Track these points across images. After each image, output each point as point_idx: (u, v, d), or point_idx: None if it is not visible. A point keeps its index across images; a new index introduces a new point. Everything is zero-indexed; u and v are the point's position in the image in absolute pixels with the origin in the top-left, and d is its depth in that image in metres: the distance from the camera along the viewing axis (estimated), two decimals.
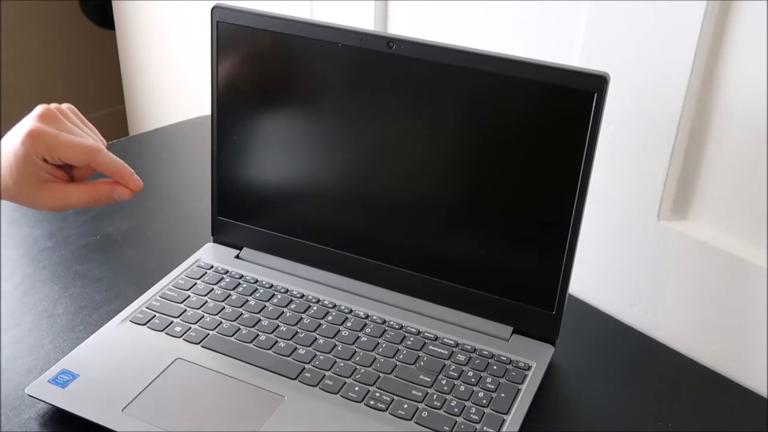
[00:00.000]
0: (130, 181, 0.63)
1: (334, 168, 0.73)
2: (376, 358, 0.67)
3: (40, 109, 0.62)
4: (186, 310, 0.71)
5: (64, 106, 0.64)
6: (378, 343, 0.69)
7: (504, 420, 0.62)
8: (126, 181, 0.63)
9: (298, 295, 0.74)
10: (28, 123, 0.60)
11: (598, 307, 0.80)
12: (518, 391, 0.65)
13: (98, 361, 0.66)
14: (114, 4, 1.74)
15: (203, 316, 0.71)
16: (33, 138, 0.59)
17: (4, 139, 0.63)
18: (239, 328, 0.69)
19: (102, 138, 0.66)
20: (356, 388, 0.64)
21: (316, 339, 0.69)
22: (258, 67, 0.74)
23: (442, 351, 0.68)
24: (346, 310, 0.72)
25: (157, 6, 1.61)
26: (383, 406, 0.62)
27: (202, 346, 0.67)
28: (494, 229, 0.69)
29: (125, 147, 1.08)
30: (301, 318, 0.71)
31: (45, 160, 0.60)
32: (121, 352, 0.67)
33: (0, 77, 1.95)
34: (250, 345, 0.68)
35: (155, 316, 0.70)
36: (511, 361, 0.67)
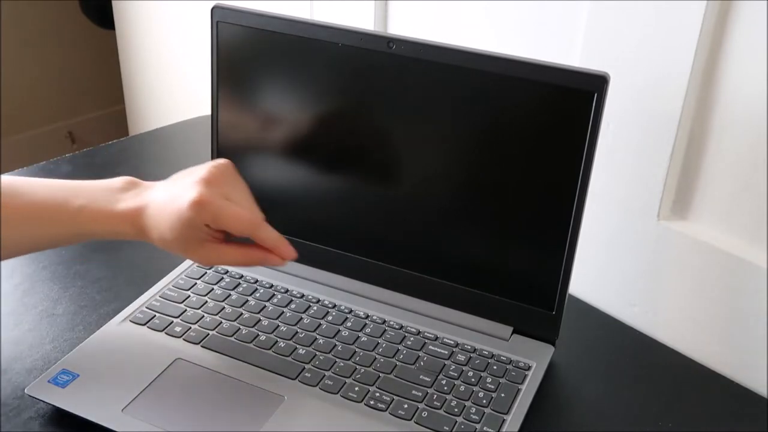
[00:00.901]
0: (285, 253, 0.63)
1: (334, 168, 0.73)
2: (376, 358, 0.67)
3: (206, 173, 0.62)
4: (186, 310, 0.71)
5: (223, 162, 0.64)
6: (378, 343, 0.69)
7: (504, 420, 0.62)
8: (281, 253, 0.63)
9: (298, 295, 0.74)
10: (195, 186, 0.61)
11: (598, 307, 0.79)
12: (518, 391, 0.65)
13: (98, 361, 0.66)
14: (114, 4, 1.74)
15: (203, 316, 0.71)
16: (200, 206, 0.60)
17: (166, 185, 0.64)
18: (239, 328, 0.69)
19: (250, 195, 0.65)
20: (356, 388, 0.64)
21: (316, 339, 0.69)
22: (258, 67, 0.74)
23: (442, 351, 0.68)
24: (346, 310, 0.72)
25: (157, 6, 1.60)
26: (383, 406, 0.62)
27: (202, 346, 0.67)
28: (494, 229, 0.69)
29: (125, 147, 1.08)
30: (301, 318, 0.71)
31: (207, 225, 0.61)
32: (121, 352, 0.67)
33: (0, 77, 1.95)
34: (250, 345, 0.68)
35: (155, 316, 0.70)
36: (511, 361, 0.67)
